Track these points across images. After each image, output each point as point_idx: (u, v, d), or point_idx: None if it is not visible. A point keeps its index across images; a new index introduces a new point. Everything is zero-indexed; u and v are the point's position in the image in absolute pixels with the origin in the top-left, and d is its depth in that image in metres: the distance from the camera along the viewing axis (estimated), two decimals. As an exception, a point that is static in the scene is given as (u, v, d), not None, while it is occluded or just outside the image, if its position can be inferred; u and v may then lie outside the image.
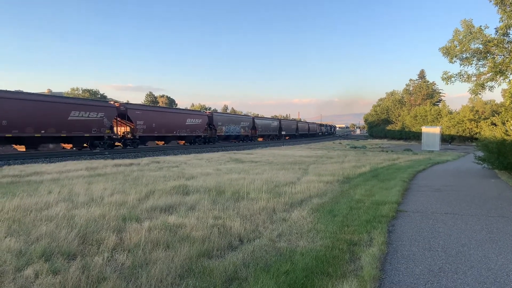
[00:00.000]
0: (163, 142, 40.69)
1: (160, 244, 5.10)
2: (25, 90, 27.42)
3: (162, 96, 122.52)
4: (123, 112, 33.66)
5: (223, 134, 50.15)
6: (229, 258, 4.72)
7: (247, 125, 57.37)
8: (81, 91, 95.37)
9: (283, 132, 68.35)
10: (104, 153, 26.80)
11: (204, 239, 5.38)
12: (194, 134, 43.52)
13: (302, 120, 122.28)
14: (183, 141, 43.28)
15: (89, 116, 28.94)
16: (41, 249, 4.69)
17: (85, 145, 30.36)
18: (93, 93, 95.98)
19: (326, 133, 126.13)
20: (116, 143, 33.31)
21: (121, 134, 34.48)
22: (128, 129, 34.96)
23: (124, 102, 41.56)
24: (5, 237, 5.20)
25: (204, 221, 6.38)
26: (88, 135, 29.23)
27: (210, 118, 47.91)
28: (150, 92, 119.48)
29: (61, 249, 4.77)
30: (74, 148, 30.10)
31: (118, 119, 34.16)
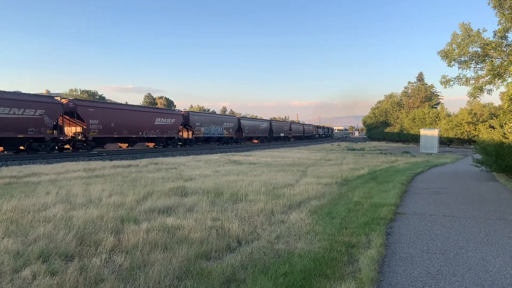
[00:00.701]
0: (126, 145, 36.54)
1: (158, 246, 5.09)
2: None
3: (161, 97, 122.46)
4: (72, 109, 29.19)
5: (202, 135, 45.41)
6: (227, 260, 4.71)
7: (231, 126, 52.77)
8: (79, 92, 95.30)
9: (274, 134, 65.97)
10: (102, 154, 26.72)
11: (202, 240, 5.38)
12: (165, 136, 38.67)
13: (297, 122, 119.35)
14: (153, 144, 38.95)
15: (24, 113, 24.84)
16: (38, 250, 4.68)
17: (21, 147, 26.37)
18: (92, 94, 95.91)
19: (324, 135, 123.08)
20: (66, 146, 30.12)
21: (71, 135, 30.26)
22: (79, 129, 30.39)
23: (74, 98, 37.74)
24: (3, 238, 5.19)
25: (202, 223, 6.38)
26: (22, 136, 25.12)
27: (186, 118, 43.04)
28: (149, 94, 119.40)
29: (59, 250, 4.76)
30: (5, 152, 26.32)
31: (67, 117, 29.99)
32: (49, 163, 19.17)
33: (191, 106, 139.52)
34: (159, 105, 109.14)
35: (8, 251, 4.67)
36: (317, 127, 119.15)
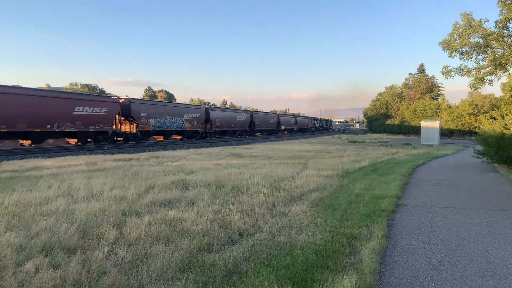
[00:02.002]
0: (29, 142, 27.48)
1: (160, 239, 5.11)
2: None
3: (161, 91, 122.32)
4: None
5: (151, 129, 36.88)
6: (229, 252, 4.73)
7: (196, 118, 44.14)
8: (80, 86, 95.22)
9: (256, 128, 59.83)
10: (104, 148, 26.73)
11: (204, 233, 5.39)
12: (92, 129, 29.86)
13: (288, 113, 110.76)
14: (75, 140, 30.47)
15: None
16: (41, 244, 4.70)
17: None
18: (92, 87, 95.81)
19: (321, 127, 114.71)
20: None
21: None
22: None
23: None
24: (5, 232, 5.20)
25: (204, 216, 6.39)
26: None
27: (126, 107, 34.39)
28: (149, 87, 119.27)
29: (61, 244, 4.77)
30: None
31: None
32: (51, 157, 19.18)
33: (191, 99, 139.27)
34: (159, 99, 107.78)
35: (11, 245, 4.68)
36: (314, 119, 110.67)
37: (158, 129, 38.18)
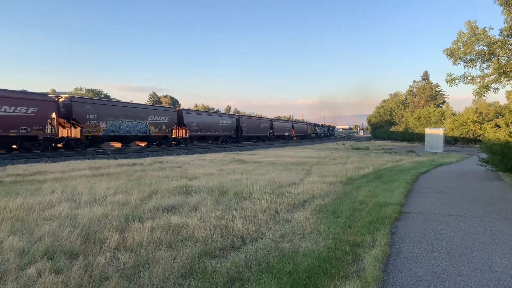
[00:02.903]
0: None
1: (163, 244, 5.11)
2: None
3: (166, 96, 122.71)
4: None
5: (101, 133, 30.64)
6: (231, 259, 4.72)
7: (165, 121, 37.97)
8: (84, 91, 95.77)
9: (244, 134, 53.81)
10: (107, 152, 26.80)
11: (207, 239, 5.38)
12: (12, 134, 23.68)
13: (284, 119, 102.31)
14: None
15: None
16: (44, 248, 4.70)
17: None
18: (97, 92, 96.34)
19: (322, 134, 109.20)
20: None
21: None
22: None
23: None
24: (8, 236, 5.21)
25: (207, 221, 6.38)
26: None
27: (67, 107, 28.41)
28: (154, 92, 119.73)
29: (64, 248, 4.78)
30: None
31: None
32: (55, 162, 19.27)
33: (196, 104, 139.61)
34: (164, 104, 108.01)
35: (14, 249, 4.69)
36: (314, 125, 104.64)
37: (111, 134, 31.76)
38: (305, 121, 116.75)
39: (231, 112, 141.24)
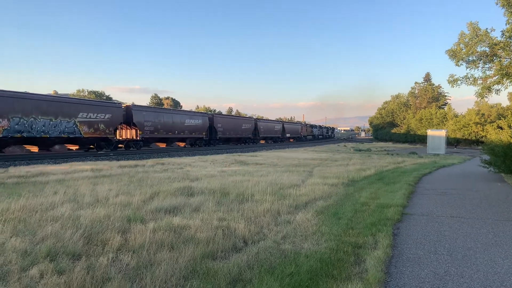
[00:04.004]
0: None
1: (165, 245, 5.11)
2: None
3: (167, 98, 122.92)
4: None
5: (0, 134, 23.22)
6: (233, 260, 4.72)
7: (103, 120, 30.11)
8: (87, 92, 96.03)
9: (221, 135, 47.20)
10: (109, 154, 26.83)
11: (209, 240, 5.38)
12: None
13: (272, 119, 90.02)
14: None
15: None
16: (46, 249, 4.71)
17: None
18: (99, 94, 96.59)
19: (320, 136, 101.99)
20: None
21: None
22: None
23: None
24: (11, 237, 5.23)
25: (209, 223, 6.39)
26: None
27: None
28: (155, 94, 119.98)
29: (66, 249, 4.79)
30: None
31: None
32: (57, 163, 19.30)
33: (197, 106, 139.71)
34: (165, 106, 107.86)
35: (16, 250, 4.71)
36: (311, 126, 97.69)
37: (16, 134, 24.17)
38: (306, 122, 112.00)
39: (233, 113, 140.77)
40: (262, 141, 62.03)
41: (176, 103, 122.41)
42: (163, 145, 40.06)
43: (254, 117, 71.59)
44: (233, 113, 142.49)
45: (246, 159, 23.21)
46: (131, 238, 5.41)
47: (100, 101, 35.26)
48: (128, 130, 34.14)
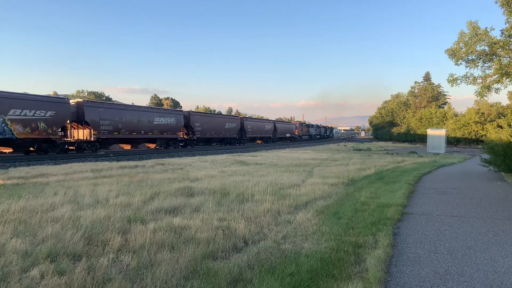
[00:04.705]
0: None
1: (165, 246, 5.11)
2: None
3: (167, 98, 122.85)
4: None
5: None
6: (233, 260, 4.72)
7: (45, 118, 25.57)
8: (86, 93, 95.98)
9: (200, 135, 42.41)
10: (109, 155, 26.84)
11: (209, 240, 5.39)
12: None
13: (262, 118, 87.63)
14: None
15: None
16: (47, 250, 4.72)
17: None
18: (99, 95, 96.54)
19: (318, 136, 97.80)
20: None
21: None
22: None
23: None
24: (11, 238, 5.23)
25: (209, 223, 6.39)
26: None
27: None
28: (155, 95, 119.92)
29: (67, 250, 4.79)
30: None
31: None
32: (57, 164, 19.29)
33: (197, 106, 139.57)
34: (165, 107, 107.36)
35: (17, 251, 4.71)
36: (308, 125, 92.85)
37: None
38: (303, 122, 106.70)
39: (233, 113, 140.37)
40: (259, 141, 59.68)
41: (176, 103, 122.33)
42: (127, 147, 36.00)
43: (240, 116, 62.89)
44: (232, 113, 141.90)
45: (246, 159, 23.22)
46: (132, 238, 5.41)
47: (39, 96, 27.46)
48: (81, 130, 29.23)
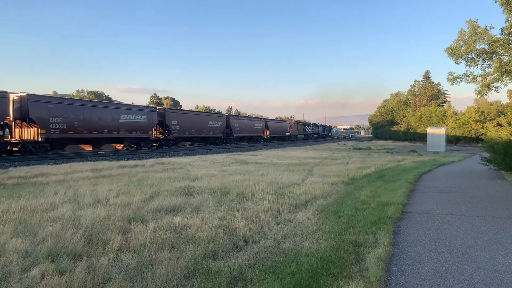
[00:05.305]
0: None
1: (165, 245, 5.11)
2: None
3: (167, 97, 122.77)
4: None
5: None
6: (234, 259, 4.72)
7: None
8: (86, 93, 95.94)
9: (177, 135, 38.53)
10: (109, 154, 26.83)
11: (209, 240, 5.39)
12: None
13: (251, 116, 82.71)
14: None
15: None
16: (47, 250, 4.71)
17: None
18: (98, 94, 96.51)
19: (315, 135, 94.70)
20: None
21: None
22: None
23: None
24: (12, 238, 5.23)
25: (209, 222, 6.39)
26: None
27: None
28: (155, 94, 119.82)
29: (67, 250, 4.79)
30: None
31: None
32: (57, 164, 19.29)
33: (197, 106, 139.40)
34: (165, 106, 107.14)
35: (17, 251, 4.71)
36: (304, 124, 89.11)
37: None
38: (298, 120, 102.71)
39: (232, 112, 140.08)
40: (258, 142, 56.66)
41: (175, 103, 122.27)
42: (88, 148, 31.90)
43: (225, 115, 55.33)
44: (232, 112, 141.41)
45: (246, 158, 23.22)
46: (132, 238, 5.41)
47: None
48: (26, 129, 25.33)
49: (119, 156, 25.74)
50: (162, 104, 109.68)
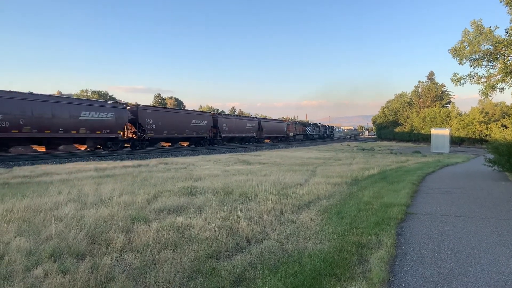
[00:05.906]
0: None
1: (168, 245, 5.12)
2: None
3: (171, 97, 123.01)
4: None
5: None
6: (237, 259, 4.72)
7: None
8: (90, 92, 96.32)
9: (149, 134, 34.43)
10: (113, 154, 26.92)
11: (212, 240, 5.39)
12: None
13: (242, 116, 78.83)
14: None
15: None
16: (50, 249, 4.73)
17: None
18: (102, 94, 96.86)
19: (316, 135, 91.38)
20: None
21: None
22: None
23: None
24: (15, 237, 5.25)
25: (212, 222, 6.39)
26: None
27: None
28: (159, 94, 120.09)
29: (70, 249, 4.81)
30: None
31: None
32: (61, 163, 19.36)
33: (200, 106, 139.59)
34: (169, 106, 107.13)
35: (20, 250, 4.73)
36: (303, 124, 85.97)
37: None
38: (297, 120, 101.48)
39: (236, 112, 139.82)
40: (250, 143, 53.20)
41: (179, 103, 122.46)
42: (41, 149, 27.42)
43: (208, 112, 51.83)
44: (235, 113, 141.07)
45: (249, 159, 23.22)
46: (135, 237, 5.42)
47: None
48: None
49: (122, 155, 25.83)
50: (166, 104, 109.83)
